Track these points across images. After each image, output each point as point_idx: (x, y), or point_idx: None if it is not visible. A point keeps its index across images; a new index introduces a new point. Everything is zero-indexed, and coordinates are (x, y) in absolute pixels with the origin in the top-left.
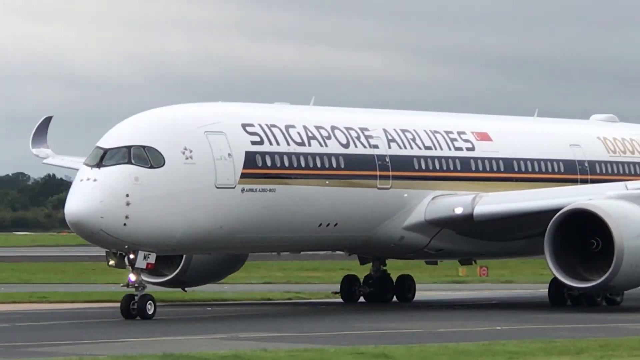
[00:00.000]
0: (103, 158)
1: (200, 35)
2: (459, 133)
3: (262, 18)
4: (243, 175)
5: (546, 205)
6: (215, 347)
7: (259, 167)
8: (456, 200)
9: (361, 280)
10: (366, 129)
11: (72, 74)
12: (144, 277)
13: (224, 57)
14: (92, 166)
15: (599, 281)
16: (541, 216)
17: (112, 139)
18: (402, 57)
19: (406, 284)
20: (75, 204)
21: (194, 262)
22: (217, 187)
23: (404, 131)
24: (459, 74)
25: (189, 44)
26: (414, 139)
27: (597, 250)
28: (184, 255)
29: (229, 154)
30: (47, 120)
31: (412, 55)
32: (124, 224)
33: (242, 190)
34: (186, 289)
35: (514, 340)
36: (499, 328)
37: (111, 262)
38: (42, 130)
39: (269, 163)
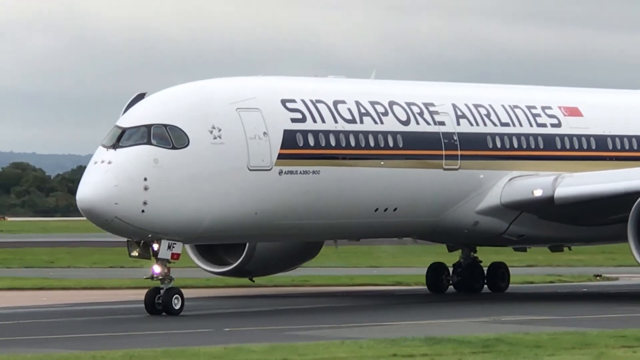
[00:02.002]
0: (120, 138)
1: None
2: (544, 108)
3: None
4: (281, 156)
5: (635, 187)
6: (478, 331)
7: (300, 147)
8: (536, 182)
9: (450, 268)
10: (431, 104)
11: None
12: (206, 267)
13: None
14: (108, 147)
15: None
16: (630, 198)
17: (131, 117)
18: None
19: (499, 272)
20: (88, 189)
21: (259, 249)
22: (250, 169)
23: (477, 106)
24: None
25: (446, 26)
26: (488, 115)
27: None
28: (247, 243)
29: (265, 133)
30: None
31: None
32: (142, 211)
33: (280, 172)
34: (254, 279)
35: None
36: None
37: (134, 253)
38: None
39: (311, 142)
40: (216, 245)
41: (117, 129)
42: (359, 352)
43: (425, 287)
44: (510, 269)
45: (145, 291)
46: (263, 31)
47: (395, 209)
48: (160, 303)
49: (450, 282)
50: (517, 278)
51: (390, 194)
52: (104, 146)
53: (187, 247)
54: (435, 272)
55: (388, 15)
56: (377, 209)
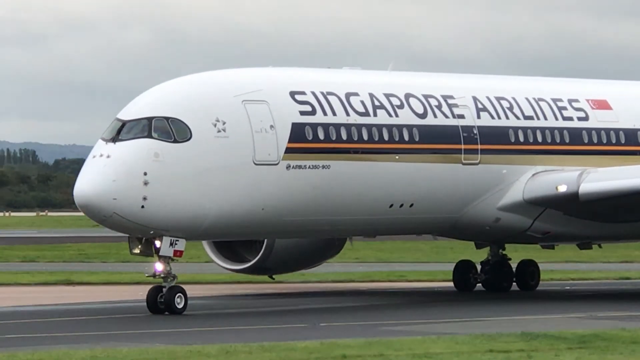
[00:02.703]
0: (120, 131)
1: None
2: (570, 101)
3: None
4: (288, 150)
5: None
6: (574, 326)
7: (309, 141)
8: (560, 177)
9: (478, 266)
10: (450, 97)
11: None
12: (223, 264)
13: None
14: (107, 140)
15: None
16: None
17: (132, 110)
18: None
19: (528, 271)
20: (85, 184)
21: (278, 246)
22: (256, 164)
23: (499, 99)
24: None
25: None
26: (510, 108)
27: None
28: (265, 240)
29: (271, 126)
30: None
31: None
32: (142, 206)
33: (288, 166)
34: (274, 276)
35: None
36: None
37: (135, 250)
38: None
39: (321, 136)
40: (234, 241)
41: (117, 121)
42: (455, 347)
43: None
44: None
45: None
46: (349, 24)
47: (411, 205)
48: (162, 302)
49: (478, 280)
50: (613, 274)
51: (405, 189)
52: (104, 139)
53: (204, 243)
54: (463, 269)
55: (476, 9)
56: (392, 205)
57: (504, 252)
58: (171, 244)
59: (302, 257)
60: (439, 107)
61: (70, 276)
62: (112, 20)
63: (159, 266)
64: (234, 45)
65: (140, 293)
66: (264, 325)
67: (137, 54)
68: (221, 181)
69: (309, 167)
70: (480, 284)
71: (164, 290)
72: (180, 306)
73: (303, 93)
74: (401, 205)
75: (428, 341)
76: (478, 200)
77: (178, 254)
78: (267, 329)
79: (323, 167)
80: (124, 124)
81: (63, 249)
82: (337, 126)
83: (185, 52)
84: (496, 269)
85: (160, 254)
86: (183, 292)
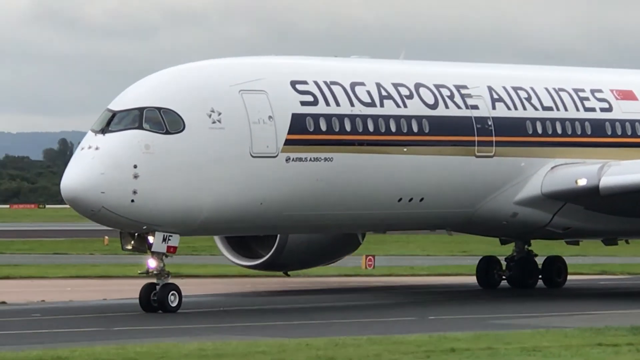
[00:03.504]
0: (110, 122)
1: None
2: (593, 91)
3: None
4: (288, 142)
5: None
6: None
7: (310, 132)
8: (580, 171)
9: (503, 262)
10: (464, 87)
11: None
12: (235, 260)
13: None
14: (96, 132)
15: None
16: None
17: (123, 100)
18: None
19: (555, 267)
20: (72, 177)
21: (292, 241)
22: (253, 156)
23: (516, 89)
24: None
25: None
26: (528, 98)
27: None
28: (278, 235)
29: (270, 117)
30: None
31: None
32: (132, 200)
33: (287, 159)
34: (289, 273)
35: None
36: None
37: (127, 246)
38: None
39: (323, 127)
40: (247, 236)
41: (108, 112)
42: (564, 340)
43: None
44: None
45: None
46: (459, 17)
47: (421, 199)
48: (155, 300)
49: (503, 277)
50: None
51: (414, 183)
52: (93, 131)
53: (216, 238)
54: (487, 265)
55: (589, 4)
56: (400, 199)
57: (529, 248)
58: (164, 240)
59: (318, 252)
60: (451, 97)
61: (180, 269)
62: (220, 13)
63: (151, 263)
64: (339, 37)
65: (248, 285)
66: (371, 318)
67: (243, 47)
68: (216, 174)
69: (310, 159)
70: (505, 281)
71: (157, 287)
72: (174, 304)
73: (305, 82)
74: (410, 200)
75: (537, 335)
76: (494, 195)
77: (172, 249)
78: (375, 322)
79: (325, 159)
80: (114, 114)
81: None
82: (341, 117)
83: (290, 43)
84: (521, 265)
85: (153, 249)
86: (177, 289)
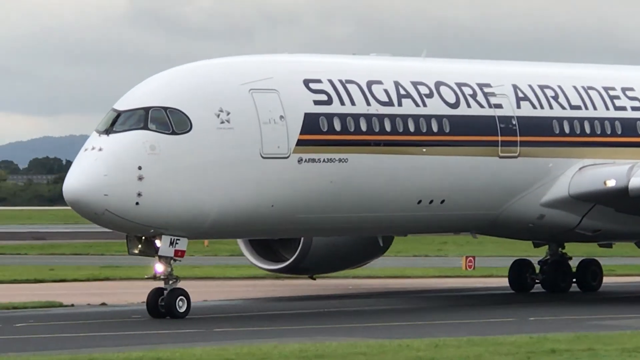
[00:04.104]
0: (115, 122)
1: None
2: (625, 89)
3: None
4: (300, 143)
5: None
6: None
7: (324, 132)
8: (609, 171)
9: (536, 265)
10: (487, 85)
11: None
12: (259, 264)
13: None
14: (100, 132)
15: None
16: None
17: (129, 99)
18: None
19: (590, 270)
20: (74, 179)
21: (316, 244)
22: (264, 157)
23: (543, 87)
24: None
25: None
26: (555, 97)
27: None
28: (301, 238)
29: (281, 117)
30: None
31: None
32: (136, 203)
33: (300, 160)
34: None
35: None
36: None
37: (134, 250)
38: None
39: (337, 127)
40: (272, 239)
41: (113, 112)
42: None
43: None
44: None
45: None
46: (558, 19)
47: (442, 201)
48: (163, 305)
49: (536, 280)
50: None
51: (434, 184)
52: (97, 131)
53: (239, 240)
54: (519, 269)
55: None
56: (420, 201)
57: (563, 251)
58: (171, 243)
59: (343, 256)
60: (474, 96)
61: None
62: (317, 13)
63: (159, 267)
64: (435, 37)
65: (350, 287)
66: (471, 319)
67: (341, 46)
68: (224, 176)
69: (324, 160)
70: (539, 284)
71: (165, 293)
72: (182, 310)
73: (319, 81)
74: (431, 202)
75: (638, 336)
76: (519, 196)
77: (179, 254)
78: (474, 323)
79: (340, 160)
80: (119, 114)
81: None
82: (356, 116)
83: (388, 43)
84: (554, 268)
85: (160, 254)
86: (185, 294)
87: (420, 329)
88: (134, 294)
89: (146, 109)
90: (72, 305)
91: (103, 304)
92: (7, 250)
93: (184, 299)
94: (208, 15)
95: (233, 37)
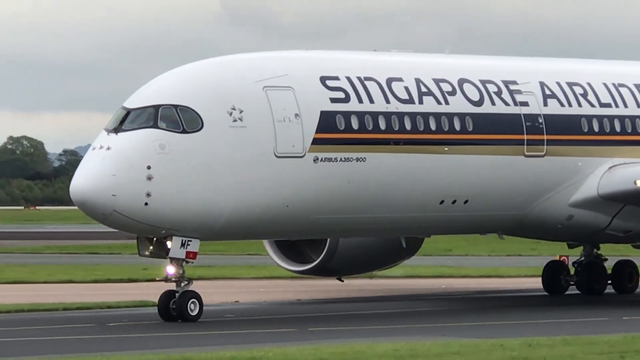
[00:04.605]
0: (124, 121)
1: None
2: None
3: None
4: (316, 141)
5: None
6: None
7: (341, 131)
8: (639, 171)
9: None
10: (513, 82)
11: None
12: (285, 265)
13: None
14: (109, 131)
15: None
16: None
17: (139, 97)
18: None
19: (625, 272)
20: (81, 179)
21: (343, 245)
22: (278, 156)
23: (571, 85)
24: None
25: None
26: (584, 95)
27: None
28: (328, 239)
29: (297, 115)
30: None
31: None
32: (145, 204)
33: (315, 159)
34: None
35: None
36: None
37: (145, 252)
38: None
39: (355, 125)
40: (298, 240)
41: (122, 110)
42: None
43: None
44: None
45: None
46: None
47: (465, 202)
48: (174, 308)
49: (570, 282)
50: None
51: (457, 184)
52: (106, 130)
53: (265, 242)
54: (553, 271)
55: None
56: (442, 202)
57: (598, 252)
58: (182, 245)
59: (371, 257)
60: (498, 93)
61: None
62: (411, 13)
63: (170, 269)
64: (532, 37)
65: (442, 286)
66: (564, 318)
67: (435, 47)
68: (236, 176)
69: (341, 159)
70: (574, 286)
71: (177, 295)
72: (194, 313)
73: (336, 78)
74: (454, 202)
75: None
76: (546, 196)
77: (191, 255)
78: (567, 322)
79: (358, 159)
80: (128, 112)
81: None
82: (375, 114)
83: (484, 45)
84: (588, 270)
85: (171, 255)
86: (198, 297)
87: (513, 329)
88: (225, 293)
89: (156, 107)
90: None
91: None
92: (101, 250)
93: (196, 301)
94: (300, 15)
95: (326, 36)
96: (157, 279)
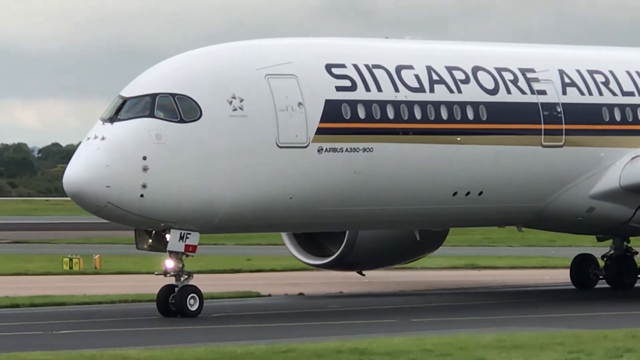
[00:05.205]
0: (120, 110)
1: None
2: None
3: None
4: (320, 131)
5: None
6: None
7: (347, 120)
8: None
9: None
10: (530, 70)
11: None
12: (303, 258)
13: None
14: (105, 120)
15: None
16: None
17: (136, 86)
18: None
19: None
20: (75, 170)
21: (362, 238)
22: (280, 146)
23: (592, 72)
24: None
25: None
26: (606, 83)
27: None
28: (347, 232)
29: (300, 103)
30: None
31: None
32: (141, 195)
33: (320, 149)
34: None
35: None
36: None
37: (144, 245)
38: None
39: (362, 115)
40: (318, 233)
41: (119, 99)
42: None
43: None
44: None
45: None
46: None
47: (480, 193)
48: (173, 303)
49: (599, 276)
50: None
51: (471, 175)
52: (102, 119)
53: (283, 234)
54: (581, 264)
55: None
56: (455, 193)
57: (628, 245)
58: (181, 238)
59: (392, 250)
60: (515, 81)
61: (476, 260)
62: (513, 3)
63: (169, 263)
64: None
65: (546, 277)
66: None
67: (537, 37)
68: (236, 166)
69: (347, 149)
70: (604, 280)
71: (176, 290)
72: (193, 308)
73: (342, 66)
74: (467, 194)
75: None
76: (565, 188)
77: (191, 249)
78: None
79: (365, 149)
80: (124, 101)
81: (469, 232)
82: (383, 103)
83: (587, 34)
84: (617, 263)
85: (169, 249)
86: (197, 292)
87: (615, 320)
88: (330, 284)
89: (153, 96)
90: (270, 295)
91: (300, 294)
92: (205, 241)
93: (196, 296)
94: (402, 7)
95: (429, 27)
96: (155, 272)
